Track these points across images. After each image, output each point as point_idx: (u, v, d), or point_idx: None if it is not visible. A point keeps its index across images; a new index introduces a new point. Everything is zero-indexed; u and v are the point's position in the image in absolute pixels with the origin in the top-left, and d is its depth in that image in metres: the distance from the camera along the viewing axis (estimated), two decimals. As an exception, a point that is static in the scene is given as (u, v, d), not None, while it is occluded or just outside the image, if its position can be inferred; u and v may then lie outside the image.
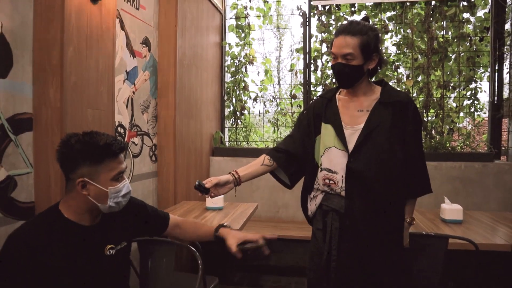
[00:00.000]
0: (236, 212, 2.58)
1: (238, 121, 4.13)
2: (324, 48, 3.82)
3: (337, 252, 1.52)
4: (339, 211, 1.53)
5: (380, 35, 1.57)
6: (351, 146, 1.52)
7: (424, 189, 1.56)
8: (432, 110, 3.71)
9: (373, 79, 1.67)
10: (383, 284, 1.53)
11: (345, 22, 3.51)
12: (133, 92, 2.57)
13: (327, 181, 1.57)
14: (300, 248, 3.38)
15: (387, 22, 3.74)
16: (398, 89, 3.70)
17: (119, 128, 2.39)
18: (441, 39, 3.65)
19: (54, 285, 1.19)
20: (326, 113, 1.61)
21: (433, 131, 3.71)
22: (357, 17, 3.76)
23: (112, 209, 1.28)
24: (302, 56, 3.87)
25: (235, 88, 4.10)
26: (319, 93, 3.85)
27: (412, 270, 1.80)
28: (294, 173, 1.70)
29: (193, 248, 1.56)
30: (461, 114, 3.72)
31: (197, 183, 1.52)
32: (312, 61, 3.83)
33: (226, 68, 4.12)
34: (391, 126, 1.50)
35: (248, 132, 4.16)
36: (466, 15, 3.63)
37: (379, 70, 1.66)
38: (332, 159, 1.55)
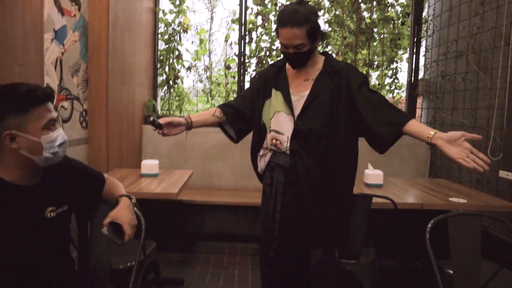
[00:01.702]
0: (172, 178, 2.59)
1: (171, 90, 4.06)
2: (259, 21, 3.86)
3: (281, 204, 1.67)
4: (284, 167, 1.67)
5: (317, 12, 1.65)
6: (297, 111, 1.66)
7: (407, 116, 1.55)
8: (357, 87, 3.96)
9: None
10: (320, 235, 1.68)
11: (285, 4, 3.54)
12: (62, 53, 2.40)
13: (274, 141, 1.71)
14: (232, 215, 3.49)
15: (320, 0, 3.88)
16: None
17: (47, 90, 2.24)
18: (368, 21, 3.89)
19: None
20: (277, 81, 1.75)
21: (357, 106, 3.98)
22: (292, -8, 3.85)
23: (50, 160, 1.20)
24: (237, 27, 3.88)
25: (168, 56, 4.01)
26: (253, 65, 3.91)
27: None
28: (240, 129, 1.83)
29: (136, 210, 1.56)
30: (383, 91, 4.04)
31: (152, 118, 1.60)
32: (247, 33, 3.86)
33: (159, 35, 3.99)
34: (333, 92, 1.64)
35: (181, 102, 4.11)
36: (390, 0, 3.90)
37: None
38: (280, 122, 1.69)
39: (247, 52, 3.90)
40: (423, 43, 3.97)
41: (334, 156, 1.63)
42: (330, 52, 3.84)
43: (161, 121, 1.63)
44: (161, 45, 4.02)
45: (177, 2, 3.93)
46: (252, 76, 3.92)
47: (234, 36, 3.95)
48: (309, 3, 3.83)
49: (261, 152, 1.80)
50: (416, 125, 1.53)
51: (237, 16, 3.86)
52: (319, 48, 3.88)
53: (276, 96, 1.73)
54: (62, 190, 1.31)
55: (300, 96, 1.68)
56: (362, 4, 3.86)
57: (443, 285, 1.59)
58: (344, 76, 1.64)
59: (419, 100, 4.07)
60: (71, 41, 2.50)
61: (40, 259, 1.23)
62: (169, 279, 2.66)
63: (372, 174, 2.54)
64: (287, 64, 1.78)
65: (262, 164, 1.80)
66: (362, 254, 2.11)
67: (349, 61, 3.91)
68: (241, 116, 1.81)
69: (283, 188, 1.68)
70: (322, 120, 1.62)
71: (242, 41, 3.85)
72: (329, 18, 3.90)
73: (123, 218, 1.30)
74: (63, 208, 1.29)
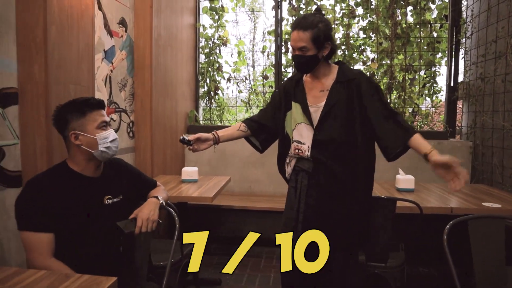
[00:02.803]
0: (210, 184, 2.77)
1: (212, 100, 4.28)
2: (295, 31, 3.98)
3: (304, 205, 1.79)
4: (307, 171, 1.80)
5: (329, 24, 1.77)
6: (315, 121, 1.78)
7: (410, 133, 1.64)
8: (395, 92, 3.97)
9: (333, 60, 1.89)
10: (342, 237, 1.78)
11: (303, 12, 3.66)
12: (111, 71, 2.67)
13: (296, 150, 1.84)
14: (270, 220, 3.61)
15: (354, 7, 3.94)
16: (362, 68, 3.94)
17: (98, 105, 2.50)
18: (404, 25, 3.88)
19: (62, 224, 1.41)
20: (296, 93, 1.88)
21: (395, 112, 3.97)
22: (326, 2, 3.94)
23: (105, 154, 1.50)
24: (274, 38, 4.03)
25: (209, 68, 4.23)
26: (289, 74, 4.04)
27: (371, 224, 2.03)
28: (264, 140, 1.99)
29: (170, 210, 1.74)
30: (421, 96, 3.99)
31: (181, 136, 1.80)
32: (283, 43, 4.00)
33: (200, 49, 4.23)
34: (348, 101, 1.74)
35: (221, 111, 4.32)
36: (427, 3, 3.87)
37: (334, 55, 1.86)
38: (301, 133, 1.82)
39: (284, 61, 4.03)
40: (463, 45, 3.89)
41: (353, 160, 1.73)
42: (365, 59, 3.91)
43: (190, 138, 1.81)
44: (202, 58, 4.26)
45: (216, 17, 4.16)
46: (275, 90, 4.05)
47: (272, 47, 4.10)
48: (343, 10, 3.89)
49: (287, 160, 1.93)
50: (418, 141, 1.63)
51: (273, 27, 4.01)
52: (355, 56, 3.93)
53: (296, 108, 1.85)
54: (118, 184, 1.60)
55: (317, 107, 1.79)
56: (397, 9, 3.87)
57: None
58: (355, 85, 1.73)
59: (460, 104, 3.98)
60: (119, 59, 2.77)
61: (97, 239, 1.49)
62: (207, 280, 2.83)
63: (403, 179, 2.57)
64: (304, 77, 1.89)
65: (289, 169, 1.93)
66: (392, 258, 2.15)
67: (385, 67, 3.92)
68: (264, 129, 1.96)
69: (307, 191, 1.80)
70: (339, 129, 1.73)
71: (279, 52, 3.99)
72: (364, 24, 3.94)
73: (139, 213, 1.54)
74: (119, 198, 1.58)
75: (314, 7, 3.95)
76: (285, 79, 4.02)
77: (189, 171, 2.84)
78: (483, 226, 1.63)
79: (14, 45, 1.81)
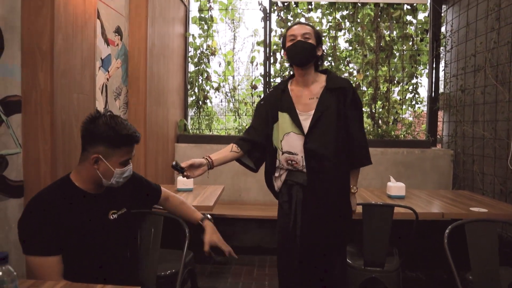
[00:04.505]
0: (206, 193, 2.78)
1: (201, 109, 4.30)
2: (283, 42, 4.07)
3: (301, 220, 1.81)
4: (302, 184, 1.82)
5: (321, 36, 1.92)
6: (306, 130, 1.80)
7: (364, 162, 1.86)
8: (379, 102, 4.11)
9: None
10: (337, 243, 1.86)
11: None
12: (107, 79, 2.67)
13: (290, 162, 1.84)
14: (261, 229, 3.65)
15: (341, 20, 4.07)
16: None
17: (95, 113, 2.49)
18: (387, 38, 4.05)
19: (68, 243, 1.36)
20: (282, 103, 1.87)
21: (380, 121, 4.12)
22: (313, 15, 4.05)
23: (112, 185, 1.46)
24: (262, 49, 4.10)
25: (197, 78, 4.26)
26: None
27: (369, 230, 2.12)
28: (258, 158, 1.96)
29: (181, 220, 1.75)
30: (404, 106, 4.16)
31: (174, 163, 1.70)
32: (272, 54, 4.08)
33: (189, 59, 4.26)
34: (337, 109, 1.79)
35: (210, 120, 4.34)
36: (409, 18, 4.05)
37: (322, 63, 1.96)
38: (291, 143, 1.83)
39: (272, 72, 4.11)
40: (443, 58, 4.09)
41: (343, 165, 1.81)
42: (351, 70, 4.03)
43: (183, 164, 1.71)
44: (191, 68, 4.29)
45: (205, 27, 4.20)
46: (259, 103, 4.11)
47: (260, 58, 4.18)
48: (330, 23, 4.02)
49: (276, 174, 1.92)
50: (353, 176, 1.89)
51: (262, 38, 4.09)
52: (341, 67, 4.05)
53: (283, 118, 1.85)
54: (121, 196, 1.56)
55: (307, 115, 1.81)
56: (381, 23, 4.03)
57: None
58: (344, 94, 1.79)
59: (440, 114, 4.16)
60: (114, 68, 2.76)
61: (105, 254, 1.47)
62: (204, 288, 2.83)
63: (394, 186, 2.66)
64: (289, 85, 1.91)
65: (278, 183, 1.94)
66: (387, 262, 2.23)
67: (370, 78, 4.06)
68: (256, 147, 1.92)
69: (302, 204, 1.82)
70: (329, 137, 1.77)
71: (267, 62, 4.06)
72: (350, 37, 4.08)
73: (218, 241, 1.66)
74: (122, 211, 1.55)
75: (302, 19, 4.07)
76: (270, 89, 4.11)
77: (184, 180, 2.84)
78: (478, 229, 1.73)
79: (19, 51, 1.78)
